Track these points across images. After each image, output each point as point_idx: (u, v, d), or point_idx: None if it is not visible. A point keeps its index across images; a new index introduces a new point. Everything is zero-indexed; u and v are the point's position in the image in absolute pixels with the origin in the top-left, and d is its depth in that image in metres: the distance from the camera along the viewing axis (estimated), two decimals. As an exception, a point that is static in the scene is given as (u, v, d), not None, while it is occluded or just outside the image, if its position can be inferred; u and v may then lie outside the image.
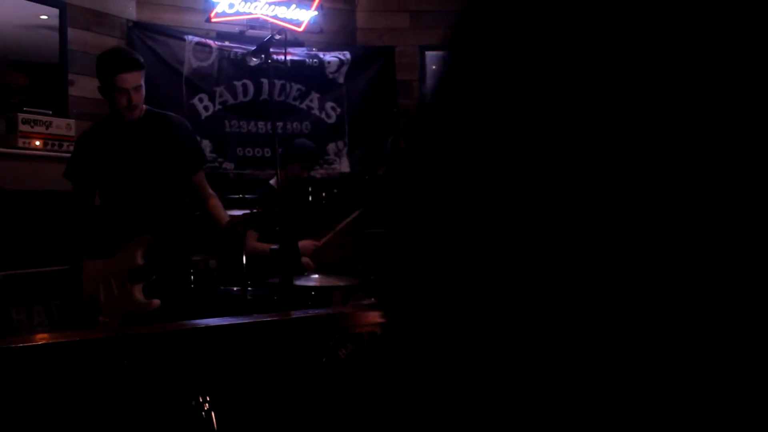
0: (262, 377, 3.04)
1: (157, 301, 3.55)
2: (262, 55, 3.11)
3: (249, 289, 4.19)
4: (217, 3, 5.43)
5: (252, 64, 3.17)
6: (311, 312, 2.33)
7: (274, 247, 3.04)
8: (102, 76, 3.46)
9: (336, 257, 4.94)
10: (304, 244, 4.61)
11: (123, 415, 2.21)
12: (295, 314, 2.25)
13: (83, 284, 3.46)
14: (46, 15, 4.75)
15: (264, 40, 3.15)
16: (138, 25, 5.24)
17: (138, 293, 3.53)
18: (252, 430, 3.03)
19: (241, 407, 3.00)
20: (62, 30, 4.75)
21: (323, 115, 5.89)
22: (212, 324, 2.08)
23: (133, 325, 3.46)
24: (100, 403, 2.07)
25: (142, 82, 3.47)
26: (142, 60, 3.53)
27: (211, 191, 3.87)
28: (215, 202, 3.84)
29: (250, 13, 5.54)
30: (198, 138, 5.40)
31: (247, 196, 4.27)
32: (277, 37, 3.18)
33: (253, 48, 5.38)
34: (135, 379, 2.18)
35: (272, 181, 5.01)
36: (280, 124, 5.67)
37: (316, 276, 4.30)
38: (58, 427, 1.95)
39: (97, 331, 2.87)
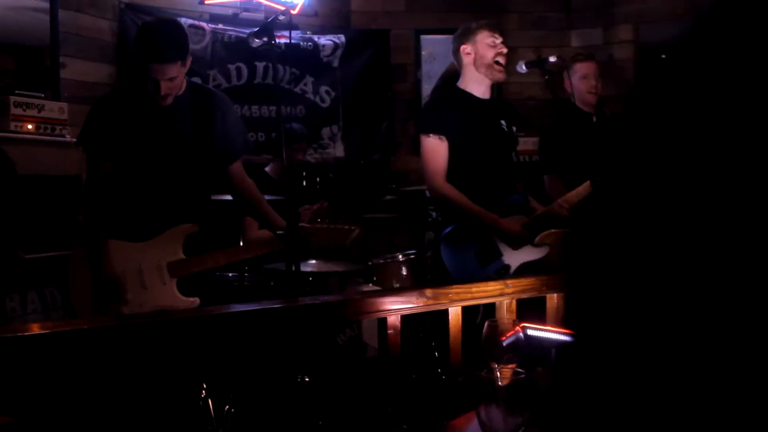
0: (270, 364, 3.01)
1: (197, 300, 3.24)
2: (265, 38, 3.04)
3: (246, 275, 4.15)
4: (211, -15, 5.36)
5: (254, 45, 3.09)
6: (321, 298, 2.29)
7: (280, 232, 2.98)
8: (139, 52, 3.06)
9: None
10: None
11: (124, 405, 2.17)
12: (305, 300, 2.21)
13: (105, 264, 3.06)
14: (37, -4, 4.66)
15: (267, 21, 3.09)
16: (130, 7, 5.16)
17: (176, 289, 3.19)
18: (255, 417, 3.00)
19: (247, 397, 2.96)
20: (53, 12, 4.66)
21: (317, 99, 5.83)
22: (222, 312, 2.04)
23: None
24: (103, 392, 2.03)
25: (181, 72, 3.10)
26: (186, 45, 3.10)
27: (251, 181, 3.60)
28: (260, 196, 3.56)
29: (243, -5, 5.47)
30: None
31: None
32: (281, 18, 3.12)
33: (248, 31, 5.34)
34: (137, 369, 2.14)
35: (268, 168, 4.97)
36: (273, 108, 5.61)
37: (314, 261, 4.26)
38: (63, 417, 1.91)
39: (102, 319, 2.80)
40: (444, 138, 3.71)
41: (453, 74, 4.25)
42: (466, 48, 3.83)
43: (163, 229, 3.21)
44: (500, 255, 3.71)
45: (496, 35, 3.82)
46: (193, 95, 3.29)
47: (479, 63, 3.79)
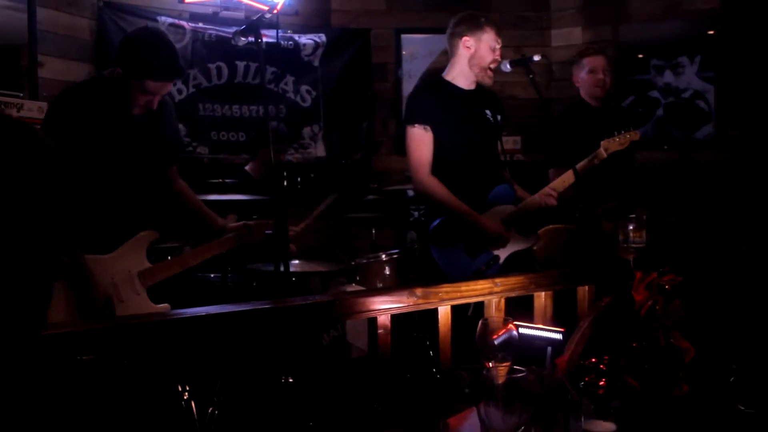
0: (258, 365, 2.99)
1: (167, 306, 3.25)
2: (251, 37, 3.02)
3: (229, 275, 4.12)
4: (190, -17, 5.31)
5: (240, 44, 3.07)
6: (311, 299, 2.27)
7: (269, 231, 2.96)
8: (130, 66, 3.05)
9: (315, 242, 4.89)
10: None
11: (107, 407, 2.15)
12: (294, 301, 2.20)
13: (95, 286, 2.98)
14: (12, -7, 4.59)
15: (253, 20, 3.07)
16: (109, 5, 5.10)
17: (147, 297, 3.19)
18: (239, 419, 2.98)
19: (233, 398, 2.94)
20: (31, 10, 4.59)
21: (298, 99, 5.81)
22: (213, 312, 2.02)
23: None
24: (89, 393, 2.00)
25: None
26: (183, 65, 3.22)
27: (185, 183, 3.61)
28: (195, 197, 3.59)
29: (224, -6, 5.43)
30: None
31: (227, 180, 4.18)
32: (267, 16, 3.10)
33: (228, 29, 5.30)
34: (120, 372, 2.12)
35: (248, 167, 4.94)
36: (254, 107, 5.58)
37: (296, 261, 4.24)
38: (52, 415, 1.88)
39: (82, 323, 2.77)
40: (429, 128, 3.72)
41: (434, 74, 4.27)
42: (468, 41, 3.81)
43: (125, 238, 3.18)
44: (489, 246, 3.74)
45: (499, 40, 3.82)
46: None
47: (475, 62, 3.79)
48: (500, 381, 1.61)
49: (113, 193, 3.18)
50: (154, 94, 3.09)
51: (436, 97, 3.80)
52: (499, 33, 3.83)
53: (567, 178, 3.74)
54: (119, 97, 3.14)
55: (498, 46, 3.81)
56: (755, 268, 1.40)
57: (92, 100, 3.13)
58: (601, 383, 1.96)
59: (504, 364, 1.76)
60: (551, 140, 4.62)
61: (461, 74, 3.85)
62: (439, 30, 6.03)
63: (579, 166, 3.78)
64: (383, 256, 4.23)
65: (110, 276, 3.08)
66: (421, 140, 3.73)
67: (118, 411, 2.25)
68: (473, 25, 3.82)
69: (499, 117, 3.96)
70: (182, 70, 3.14)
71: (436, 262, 3.73)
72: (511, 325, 1.91)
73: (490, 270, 3.69)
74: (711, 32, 5.66)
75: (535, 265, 4.01)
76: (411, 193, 5.41)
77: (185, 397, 2.87)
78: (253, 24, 3.02)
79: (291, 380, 3.24)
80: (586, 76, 4.57)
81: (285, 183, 4.96)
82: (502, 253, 3.75)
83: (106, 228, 3.16)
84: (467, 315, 2.94)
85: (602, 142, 3.86)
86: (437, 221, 3.74)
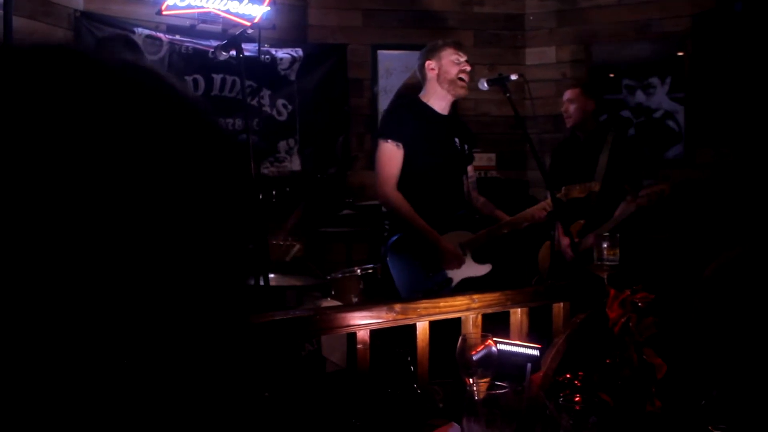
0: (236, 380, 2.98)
1: None
2: (233, 51, 3.05)
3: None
4: (168, -5, 5.31)
5: (221, 59, 3.09)
6: (291, 313, 2.28)
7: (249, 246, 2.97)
8: None
9: (288, 256, 4.90)
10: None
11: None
12: (276, 315, 2.21)
13: None
14: (-13, 2, 4.56)
15: (235, 35, 3.09)
16: (86, 16, 5.08)
17: None
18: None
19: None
20: (7, 19, 4.56)
21: (274, 113, 5.82)
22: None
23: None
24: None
25: None
26: None
27: None
28: None
29: (201, 7, 5.43)
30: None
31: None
32: (249, 32, 3.12)
33: (205, 42, 5.32)
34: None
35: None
36: (230, 120, 5.58)
37: (272, 276, 4.24)
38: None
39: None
40: (401, 145, 3.80)
41: (410, 89, 4.34)
42: (430, 64, 3.94)
43: None
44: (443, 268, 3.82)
45: (461, 54, 3.95)
46: None
47: (442, 78, 3.89)
48: (481, 397, 1.64)
49: None
50: None
51: (411, 116, 3.89)
52: (458, 48, 4.00)
53: (539, 207, 3.86)
54: None
55: (462, 59, 3.96)
56: (720, 292, 1.44)
57: None
58: (577, 398, 2.00)
59: (484, 380, 1.79)
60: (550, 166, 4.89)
61: (435, 95, 3.96)
62: (415, 47, 6.09)
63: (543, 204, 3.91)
64: (358, 270, 4.25)
65: None
66: (391, 156, 3.82)
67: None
68: (432, 50, 4.00)
69: (466, 146, 4.06)
70: None
71: (392, 279, 3.82)
72: (489, 341, 1.94)
73: (441, 291, 3.77)
74: (681, 54, 5.77)
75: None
76: (378, 199, 5.46)
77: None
78: (235, 39, 3.04)
79: (266, 394, 3.24)
80: (563, 106, 4.77)
81: (260, 196, 4.98)
82: (456, 276, 3.84)
83: None
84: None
85: (563, 188, 3.98)
86: (396, 236, 3.83)
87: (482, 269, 3.93)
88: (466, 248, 3.86)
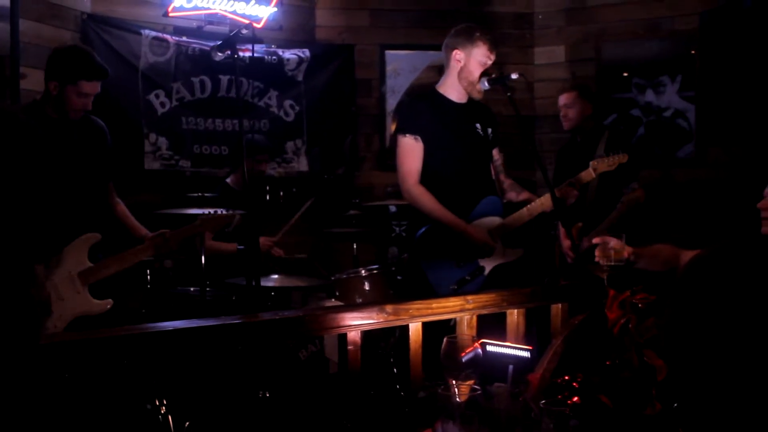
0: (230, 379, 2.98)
1: (110, 301, 3.58)
2: (228, 51, 3.04)
3: (207, 290, 4.12)
4: (175, -3, 5.33)
5: (217, 59, 3.10)
6: (281, 314, 2.28)
7: (241, 247, 2.97)
8: (64, 73, 3.47)
9: (294, 255, 4.90)
10: (261, 241, 4.54)
11: (83, 419, 2.14)
12: (264, 316, 2.20)
13: (40, 287, 3.33)
14: (-5, 5, 4.59)
15: (230, 35, 3.08)
16: (93, 18, 5.11)
17: (89, 295, 3.53)
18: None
19: (205, 411, 2.94)
20: (14, 22, 4.60)
21: (281, 113, 5.82)
22: (180, 327, 2.02)
23: (84, 327, 3.38)
24: (59, 406, 2.00)
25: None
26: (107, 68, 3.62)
27: (117, 198, 3.97)
28: (125, 209, 3.96)
29: (208, 8, 5.44)
30: (154, 134, 5.33)
31: (206, 194, 4.19)
32: (244, 32, 3.11)
33: (212, 44, 5.31)
34: (95, 384, 2.11)
35: (229, 180, 4.95)
36: (236, 121, 5.59)
37: (276, 276, 4.24)
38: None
39: (59, 335, 2.77)
40: (419, 139, 3.76)
41: (419, 89, 4.29)
42: (458, 54, 3.82)
43: (68, 242, 3.52)
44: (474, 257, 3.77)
45: (491, 55, 3.81)
46: (86, 119, 3.70)
47: (463, 76, 3.81)
48: (462, 399, 1.62)
49: (59, 199, 3.46)
50: (88, 95, 3.49)
51: (427, 108, 3.83)
52: (492, 48, 3.81)
53: (545, 200, 3.78)
54: (41, 104, 3.55)
55: (489, 62, 3.80)
56: (690, 291, 1.41)
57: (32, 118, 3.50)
58: (575, 400, 1.98)
59: (467, 382, 1.77)
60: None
61: (452, 87, 3.87)
62: (423, 47, 6.12)
63: (561, 187, 3.88)
64: (362, 271, 4.23)
65: (53, 277, 3.44)
66: (410, 150, 3.77)
67: (95, 425, 2.24)
68: (465, 39, 3.81)
69: (489, 130, 3.98)
70: (107, 72, 3.54)
71: (422, 272, 3.73)
72: (476, 344, 1.92)
73: (474, 280, 3.72)
74: (692, 52, 5.71)
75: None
76: (393, 208, 5.42)
77: (162, 411, 2.87)
78: (230, 39, 3.03)
79: (267, 395, 3.24)
80: (560, 110, 4.77)
81: (267, 197, 4.98)
82: (488, 264, 3.78)
83: (53, 232, 3.41)
84: (449, 326, 2.94)
85: (591, 162, 3.95)
86: (423, 229, 3.76)
87: (514, 254, 3.87)
88: (496, 235, 3.80)
